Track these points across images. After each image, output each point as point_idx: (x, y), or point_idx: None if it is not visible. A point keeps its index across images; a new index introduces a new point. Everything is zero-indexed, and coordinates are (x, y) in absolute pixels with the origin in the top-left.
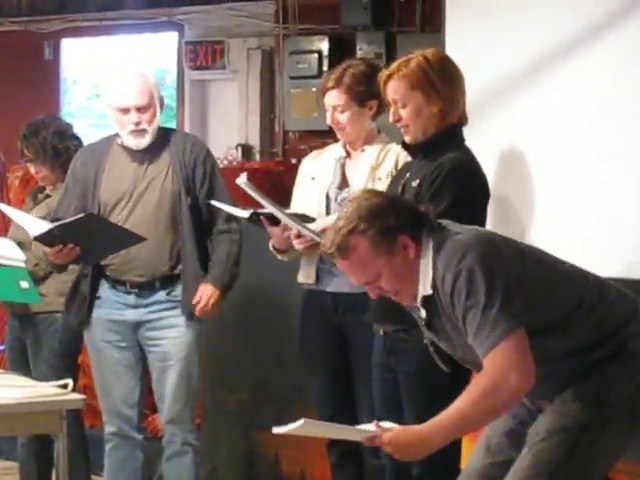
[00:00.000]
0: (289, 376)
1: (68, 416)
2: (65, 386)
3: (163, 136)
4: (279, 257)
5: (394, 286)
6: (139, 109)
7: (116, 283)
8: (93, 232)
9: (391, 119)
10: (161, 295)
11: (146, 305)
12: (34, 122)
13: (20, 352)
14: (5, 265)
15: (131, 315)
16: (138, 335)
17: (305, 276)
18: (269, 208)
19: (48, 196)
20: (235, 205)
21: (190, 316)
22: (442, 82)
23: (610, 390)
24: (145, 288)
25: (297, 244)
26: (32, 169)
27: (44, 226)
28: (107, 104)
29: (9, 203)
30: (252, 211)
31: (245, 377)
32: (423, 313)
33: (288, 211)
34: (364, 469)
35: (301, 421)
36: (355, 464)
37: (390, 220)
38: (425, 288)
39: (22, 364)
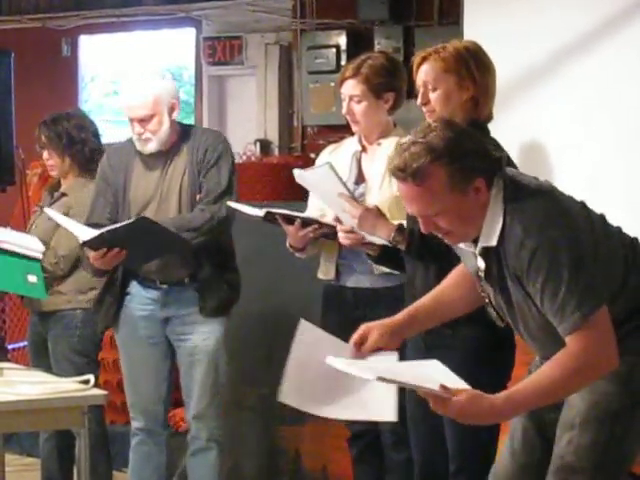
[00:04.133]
0: None
1: (89, 412)
2: (87, 382)
3: (184, 134)
4: (297, 255)
5: (453, 226)
6: (141, 120)
7: (145, 280)
8: (142, 236)
9: (419, 101)
10: (191, 291)
11: (175, 301)
12: (59, 113)
13: (41, 348)
14: (19, 254)
15: (160, 311)
16: (167, 330)
17: (325, 272)
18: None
19: (64, 194)
20: (249, 204)
21: (210, 314)
22: (477, 69)
23: (635, 371)
24: (175, 284)
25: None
26: (44, 155)
27: (94, 231)
28: None
29: (28, 200)
30: (267, 210)
31: (266, 372)
32: (482, 264)
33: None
34: (385, 464)
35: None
36: (376, 459)
37: (475, 161)
38: (489, 239)
39: (44, 360)
